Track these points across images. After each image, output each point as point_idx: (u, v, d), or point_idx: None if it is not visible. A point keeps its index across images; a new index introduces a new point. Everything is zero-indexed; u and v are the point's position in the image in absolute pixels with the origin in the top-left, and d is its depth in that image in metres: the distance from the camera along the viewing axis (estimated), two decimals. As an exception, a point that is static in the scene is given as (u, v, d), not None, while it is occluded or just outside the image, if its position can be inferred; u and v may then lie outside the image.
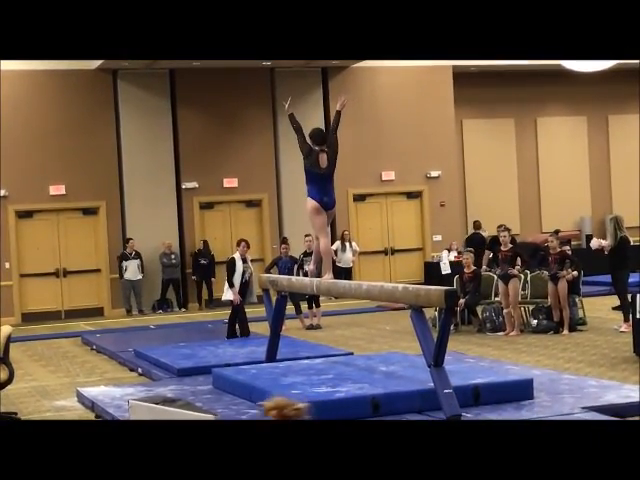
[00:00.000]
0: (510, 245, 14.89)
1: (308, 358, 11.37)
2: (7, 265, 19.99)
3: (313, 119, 21.67)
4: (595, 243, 14.39)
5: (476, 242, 20.18)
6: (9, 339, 9.64)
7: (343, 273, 20.45)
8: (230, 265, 14.04)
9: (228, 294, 14.06)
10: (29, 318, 20.03)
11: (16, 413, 9.89)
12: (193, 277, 20.92)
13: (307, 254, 16.33)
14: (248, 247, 14.30)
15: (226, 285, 14.16)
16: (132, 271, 20.28)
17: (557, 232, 17.32)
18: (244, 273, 14.00)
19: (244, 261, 14.06)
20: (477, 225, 21.51)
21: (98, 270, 20.78)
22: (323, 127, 21.11)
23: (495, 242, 16.35)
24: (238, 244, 14.41)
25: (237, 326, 14.39)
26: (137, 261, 20.34)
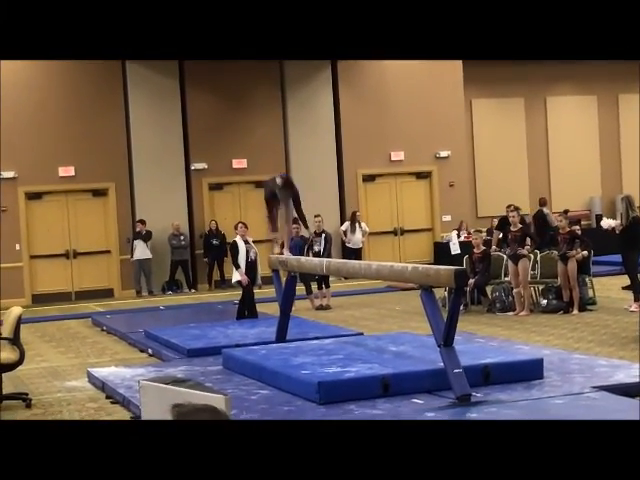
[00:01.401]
0: (520, 225, 14.87)
1: (318, 338, 11.38)
2: (17, 246, 20.04)
3: (322, 99, 21.73)
4: (605, 224, 14.37)
5: (538, 219, 20.01)
6: (19, 320, 9.67)
7: (353, 254, 20.46)
8: (233, 248, 14.15)
9: (236, 276, 14.15)
10: (39, 299, 20.09)
11: (27, 394, 9.93)
12: (205, 259, 20.92)
13: (317, 234, 16.40)
14: (246, 228, 14.42)
15: (234, 268, 14.25)
16: (141, 250, 20.28)
17: (566, 212, 17.33)
18: (248, 253, 14.07)
19: (246, 242, 14.16)
20: (543, 202, 21.13)
21: (108, 251, 20.83)
22: (332, 107, 21.29)
23: (505, 222, 16.33)
24: (235, 227, 14.58)
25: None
26: (149, 240, 20.37)
